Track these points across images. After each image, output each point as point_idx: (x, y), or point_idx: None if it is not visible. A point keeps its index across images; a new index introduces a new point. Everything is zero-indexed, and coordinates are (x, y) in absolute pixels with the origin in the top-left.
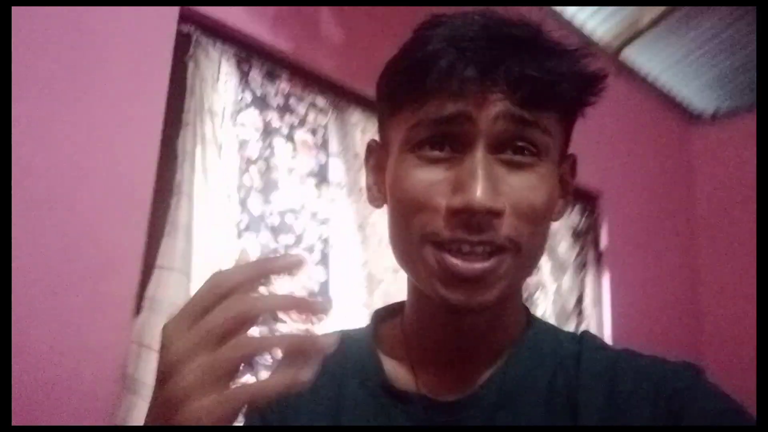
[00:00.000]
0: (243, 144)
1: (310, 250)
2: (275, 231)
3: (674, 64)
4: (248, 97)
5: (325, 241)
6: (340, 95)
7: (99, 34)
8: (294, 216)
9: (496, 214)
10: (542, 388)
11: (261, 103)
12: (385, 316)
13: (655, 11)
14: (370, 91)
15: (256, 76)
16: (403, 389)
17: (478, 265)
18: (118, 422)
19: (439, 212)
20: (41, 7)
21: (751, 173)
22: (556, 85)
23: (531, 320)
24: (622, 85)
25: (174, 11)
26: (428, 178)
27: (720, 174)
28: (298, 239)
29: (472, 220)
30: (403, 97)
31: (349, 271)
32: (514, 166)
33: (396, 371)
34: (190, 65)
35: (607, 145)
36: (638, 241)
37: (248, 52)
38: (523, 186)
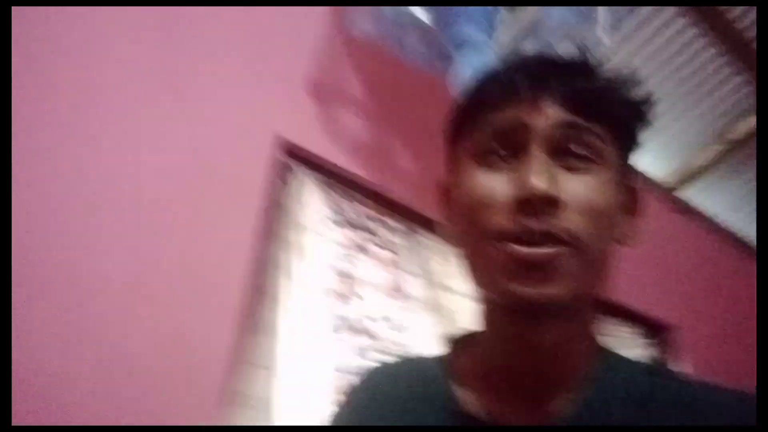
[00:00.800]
0: (326, 254)
1: (387, 353)
2: (356, 332)
3: (734, 201)
4: (330, 214)
5: (403, 346)
6: (411, 218)
7: (209, 158)
8: (373, 321)
9: (554, 202)
10: (616, 422)
11: (341, 220)
12: (456, 344)
13: (707, 155)
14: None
15: (336, 196)
16: (475, 416)
17: (540, 251)
18: None
19: (500, 207)
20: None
21: None
22: (604, 98)
23: (602, 348)
24: (689, 225)
25: (271, 140)
26: (490, 179)
27: None
28: (377, 343)
29: (532, 209)
30: (465, 121)
31: None
32: (571, 169)
33: (468, 398)
34: (282, 186)
35: (680, 280)
36: (711, 375)
37: (330, 177)
38: (582, 185)
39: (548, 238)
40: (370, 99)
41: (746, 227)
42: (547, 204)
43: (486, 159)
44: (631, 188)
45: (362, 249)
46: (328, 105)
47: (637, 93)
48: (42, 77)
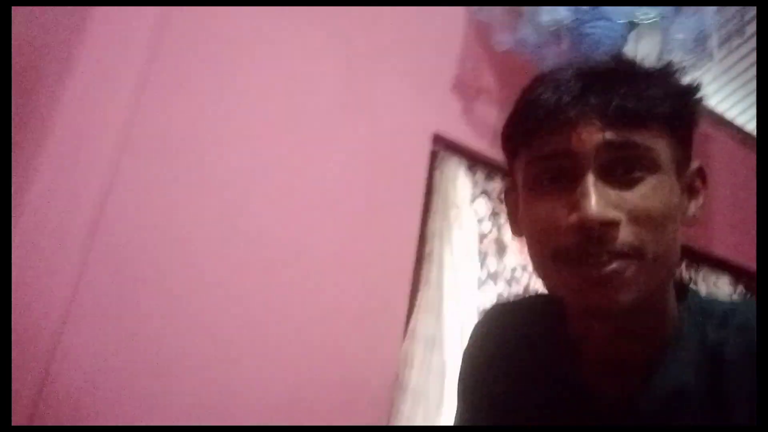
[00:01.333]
0: (479, 222)
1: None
2: (508, 282)
3: None
4: (477, 191)
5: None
6: None
7: (381, 152)
8: (521, 270)
9: (611, 224)
10: (691, 392)
11: (486, 195)
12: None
13: None
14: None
15: (480, 176)
16: (591, 389)
17: (604, 269)
18: (393, 416)
19: (562, 233)
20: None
21: None
22: (647, 103)
23: (685, 317)
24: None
25: (428, 135)
26: (548, 207)
27: None
28: (526, 289)
29: (592, 233)
30: (517, 141)
31: None
32: (624, 184)
33: (579, 364)
34: (437, 172)
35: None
36: None
37: (475, 161)
38: (636, 197)
39: (612, 255)
40: (507, 95)
41: None
42: (605, 227)
43: (540, 186)
44: (695, 170)
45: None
46: (473, 102)
47: (680, 81)
48: (214, 80)
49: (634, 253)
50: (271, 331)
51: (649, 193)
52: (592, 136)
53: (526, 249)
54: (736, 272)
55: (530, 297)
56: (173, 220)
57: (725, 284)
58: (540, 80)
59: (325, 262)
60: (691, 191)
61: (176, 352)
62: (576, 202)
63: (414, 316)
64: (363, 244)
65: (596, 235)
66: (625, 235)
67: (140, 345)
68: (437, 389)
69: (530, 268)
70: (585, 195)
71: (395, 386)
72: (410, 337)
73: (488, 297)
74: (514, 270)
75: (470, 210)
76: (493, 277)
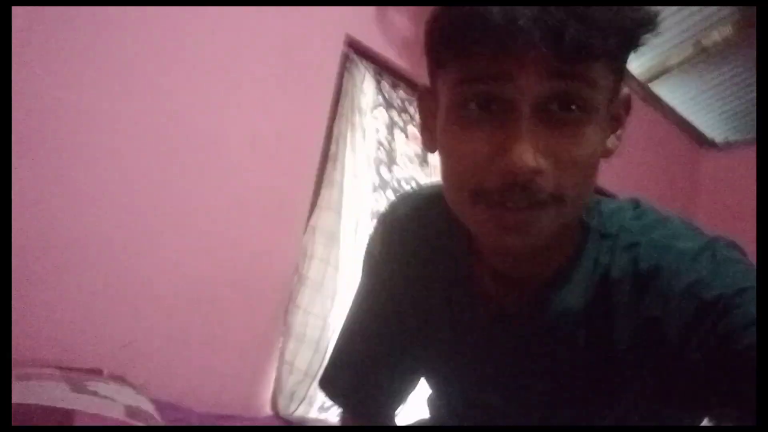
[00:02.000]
0: (377, 131)
1: None
2: (395, 191)
3: (694, 97)
4: (380, 99)
5: None
6: None
7: (299, 47)
8: (406, 183)
9: (538, 173)
10: (580, 312)
11: (387, 104)
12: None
13: (683, 54)
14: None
15: (385, 85)
16: (483, 294)
17: (522, 216)
18: (292, 305)
19: (487, 173)
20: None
21: (750, 197)
22: (600, 31)
23: (584, 240)
24: (650, 112)
25: (342, 36)
26: (475, 140)
27: (722, 195)
28: None
29: (516, 180)
30: (447, 53)
31: None
32: (558, 123)
33: (477, 269)
34: (346, 75)
35: (627, 161)
36: None
37: (381, 68)
38: (567, 143)
39: (532, 203)
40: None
41: (700, 119)
42: (532, 174)
43: (469, 110)
44: (623, 98)
45: (402, 129)
46: (387, 9)
47: (634, 13)
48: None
49: (554, 201)
50: (180, 221)
51: (580, 139)
52: (536, 61)
53: (426, 166)
54: None
55: (439, 188)
56: (96, 105)
57: None
58: None
59: (235, 153)
60: (614, 120)
61: (87, 240)
62: (505, 144)
63: (315, 213)
64: (271, 140)
65: (520, 181)
66: (549, 182)
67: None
68: (333, 282)
69: (415, 181)
70: (516, 139)
71: (294, 277)
72: (311, 232)
73: (380, 203)
74: (400, 181)
75: (371, 117)
76: (383, 186)
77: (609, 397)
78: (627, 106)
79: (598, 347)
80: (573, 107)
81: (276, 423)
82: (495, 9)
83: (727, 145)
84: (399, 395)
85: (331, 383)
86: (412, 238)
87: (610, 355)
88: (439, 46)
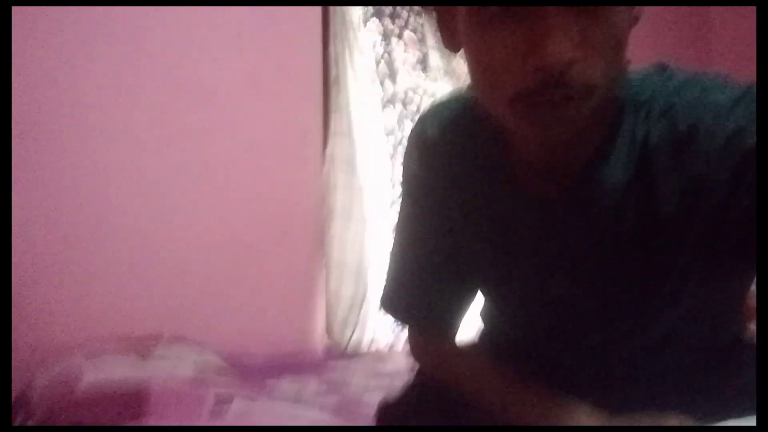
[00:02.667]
0: (374, 44)
1: None
2: (404, 103)
3: None
4: (370, 9)
5: None
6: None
7: None
8: (413, 92)
9: (573, 63)
10: (623, 189)
11: (379, 12)
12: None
13: None
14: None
15: None
16: (521, 184)
17: (561, 109)
18: (326, 236)
19: (521, 73)
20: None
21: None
22: None
23: (618, 115)
24: None
25: None
26: (503, 40)
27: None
28: (419, 109)
29: (553, 74)
30: None
31: None
32: (589, 17)
33: (514, 161)
34: None
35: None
36: None
37: None
38: (597, 25)
39: (569, 96)
40: None
41: None
42: (567, 67)
43: (491, 9)
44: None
45: (398, 36)
46: None
47: None
48: None
49: (590, 91)
50: (200, 179)
51: (609, 17)
52: None
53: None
54: None
55: (466, 94)
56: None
57: None
58: None
59: (236, 99)
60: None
61: (120, 214)
62: (537, 39)
63: (330, 140)
64: (270, 77)
65: (554, 75)
66: (583, 73)
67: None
68: (360, 206)
69: (421, 89)
70: (549, 32)
71: (323, 210)
72: (329, 161)
73: (390, 119)
74: (406, 92)
75: (365, 31)
76: (392, 100)
77: (664, 269)
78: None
79: (646, 218)
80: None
81: (335, 352)
82: None
83: None
84: (460, 306)
85: (392, 303)
86: (445, 149)
87: (660, 225)
88: None
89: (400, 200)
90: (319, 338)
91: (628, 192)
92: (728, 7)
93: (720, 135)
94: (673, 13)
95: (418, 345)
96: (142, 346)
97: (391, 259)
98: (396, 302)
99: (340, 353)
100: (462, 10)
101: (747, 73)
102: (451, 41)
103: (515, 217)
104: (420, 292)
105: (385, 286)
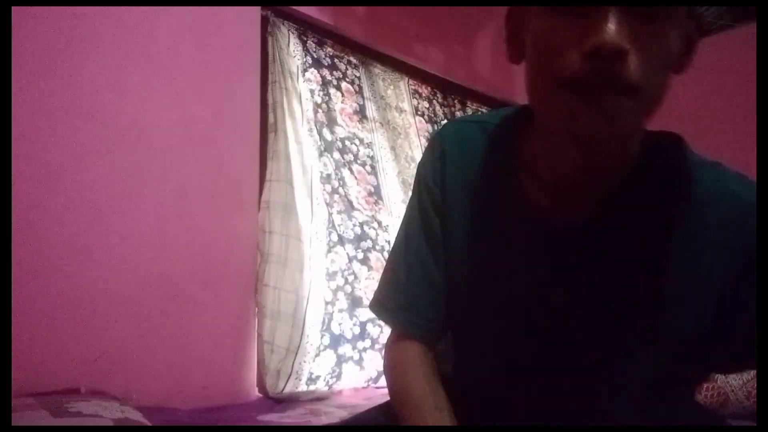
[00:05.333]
0: (312, 92)
1: (364, 164)
2: (341, 151)
3: None
4: (309, 59)
5: (372, 158)
6: (367, 54)
7: (214, 26)
8: (350, 141)
9: (624, 53)
10: (636, 228)
11: (317, 63)
12: (521, 120)
13: None
14: (387, 50)
15: (311, 44)
16: (533, 209)
17: (606, 100)
18: (260, 284)
19: (574, 57)
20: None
21: (675, 98)
22: None
23: (647, 147)
24: None
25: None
26: (562, 27)
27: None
28: (356, 157)
29: (604, 63)
30: None
31: (390, 178)
32: (644, 17)
33: (527, 185)
34: (270, 40)
35: None
36: None
37: (305, 27)
38: (651, 32)
39: (617, 90)
40: None
41: None
42: (618, 55)
43: (557, 8)
44: (695, 24)
45: (336, 86)
46: None
47: None
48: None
49: (635, 92)
50: (128, 223)
51: (661, 35)
52: None
53: None
54: None
55: (488, 114)
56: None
57: None
58: None
59: (171, 143)
60: (689, 43)
61: (37, 260)
62: (593, 26)
63: (266, 187)
64: (207, 121)
65: (607, 65)
66: (632, 71)
67: None
68: (298, 254)
69: (358, 138)
70: (604, 19)
71: (257, 256)
72: (265, 207)
73: (327, 167)
74: (344, 141)
75: (304, 80)
76: (328, 148)
77: (652, 312)
78: (699, 31)
79: (651, 265)
80: (656, 14)
81: (267, 404)
82: None
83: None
84: (447, 317)
85: (379, 302)
86: (460, 158)
87: (661, 278)
88: None
89: (408, 204)
90: (249, 391)
91: (640, 235)
92: None
93: (747, 234)
94: None
95: (388, 342)
96: (56, 403)
97: (387, 258)
98: (381, 301)
99: (272, 406)
100: (533, 16)
101: None
102: (515, 52)
103: (517, 236)
104: (406, 294)
105: (378, 286)
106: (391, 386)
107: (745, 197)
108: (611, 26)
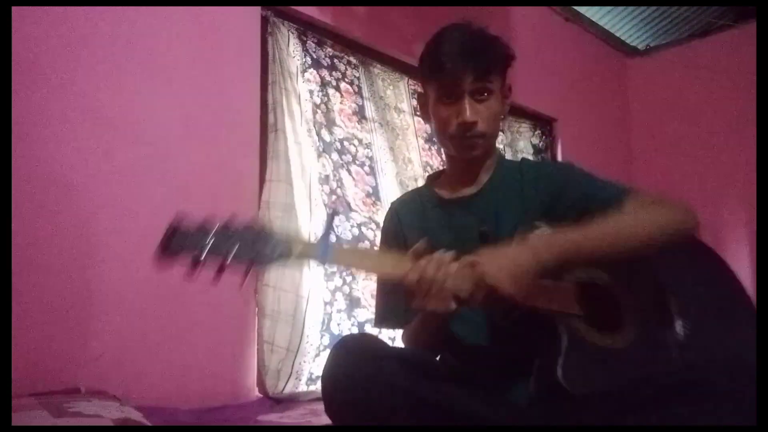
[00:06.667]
0: (311, 93)
1: (362, 165)
2: (339, 152)
3: (612, 9)
4: (308, 60)
5: (371, 159)
6: (366, 54)
7: (214, 26)
8: (349, 142)
9: (475, 123)
10: (508, 184)
11: (316, 63)
12: (433, 174)
13: None
14: (387, 50)
15: (311, 44)
16: (447, 198)
17: (471, 142)
18: (260, 284)
19: (453, 127)
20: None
21: (676, 96)
22: (495, 61)
23: (500, 159)
24: (571, 29)
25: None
26: (446, 112)
27: (652, 97)
28: (354, 158)
29: (466, 128)
30: (431, 76)
31: (388, 179)
32: (481, 101)
33: (441, 191)
34: (270, 40)
35: (561, 79)
36: (585, 156)
37: (305, 27)
38: (486, 108)
39: (474, 137)
40: None
41: (621, 28)
42: (472, 123)
43: (441, 99)
44: (507, 87)
45: (335, 87)
46: None
47: (508, 48)
48: None
49: (483, 136)
50: (129, 223)
51: (491, 106)
52: (469, 77)
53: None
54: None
55: (411, 190)
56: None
57: (526, 129)
58: (441, 40)
59: (173, 143)
60: (504, 97)
61: (37, 260)
62: (459, 111)
63: (266, 186)
64: (207, 121)
65: (469, 128)
66: (480, 128)
67: None
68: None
69: (357, 139)
70: (464, 109)
71: None
72: (265, 207)
73: (326, 168)
74: (342, 142)
75: (303, 80)
76: (327, 149)
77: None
78: (509, 91)
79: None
80: (485, 94)
81: (267, 404)
82: (446, 59)
83: (650, 51)
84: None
85: (382, 321)
86: (406, 210)
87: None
88: (426, 71)
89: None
90: (249, 391)
91: (506, 188)
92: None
93: (547, 175)
94: None
95: (402, 338)
96: (56, 402)
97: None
98: (382, 317)
99: (272, 406)
100: (431, 101)
101: None
102: (425, 115)
103: (446, 219)
104: (389, 306)
105: (376, 310)
106: (408, 337)
107: (538, 165)
108: (467, 109)
